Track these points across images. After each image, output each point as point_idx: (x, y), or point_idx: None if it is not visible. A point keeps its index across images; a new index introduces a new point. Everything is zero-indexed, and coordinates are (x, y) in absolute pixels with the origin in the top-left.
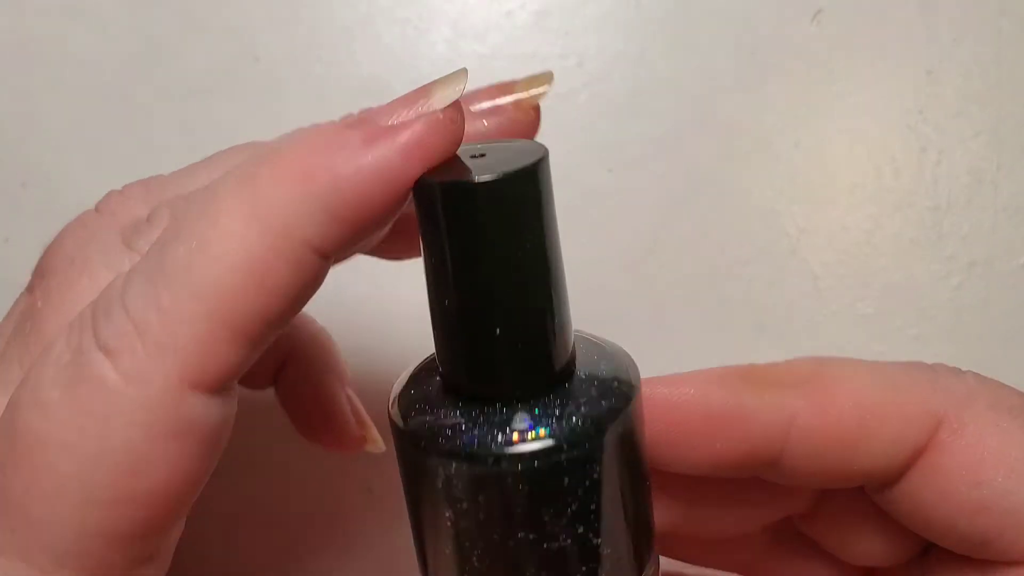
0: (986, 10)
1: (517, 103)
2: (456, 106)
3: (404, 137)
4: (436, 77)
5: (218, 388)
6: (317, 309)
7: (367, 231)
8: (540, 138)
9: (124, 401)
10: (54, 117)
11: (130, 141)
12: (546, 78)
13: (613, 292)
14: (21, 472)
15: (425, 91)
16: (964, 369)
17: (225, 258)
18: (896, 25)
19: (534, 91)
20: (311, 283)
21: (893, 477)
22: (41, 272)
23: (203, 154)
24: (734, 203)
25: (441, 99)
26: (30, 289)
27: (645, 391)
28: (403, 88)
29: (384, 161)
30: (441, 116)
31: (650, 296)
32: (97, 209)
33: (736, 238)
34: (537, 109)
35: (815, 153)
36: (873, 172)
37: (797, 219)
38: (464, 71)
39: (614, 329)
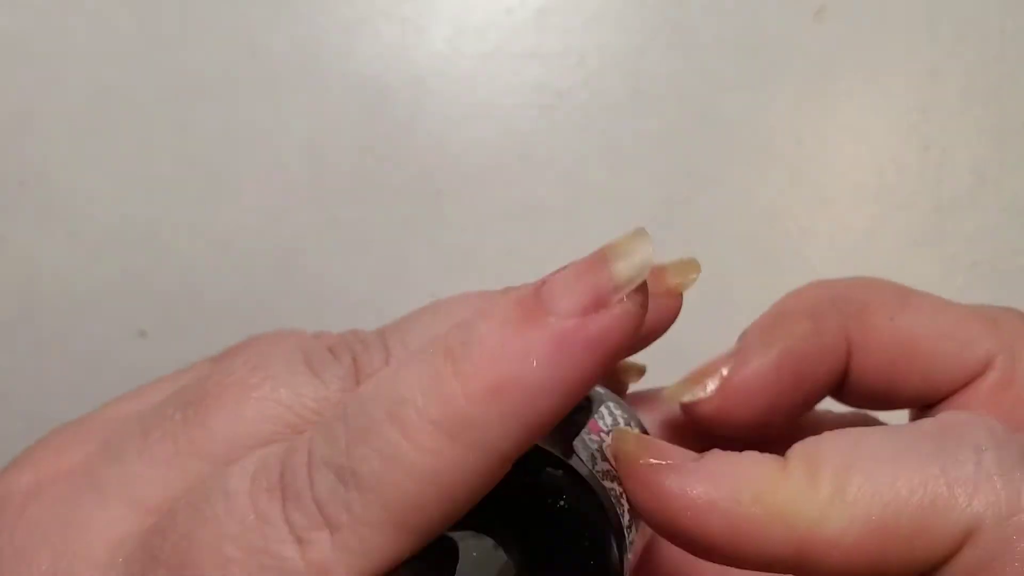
0: (988, 10)
1: (668, 291)
2: (644, 291)
3: (594, 341)
4: (434, 75)
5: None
6: (318, 308)
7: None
8: (541, 135)
9: None
10: (52, 116)
11: (128, 139)
12: (695, 267)
13: None
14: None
15: (603, 261)
16: None
17: (419, 474)
18: (899, 24)
19: (688, 280)
20: (495, 482)
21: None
22: (223, 360)
23: (202, 152)
24: (736, 201)
25: (627, 278)
26: (207, 368)
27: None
28: (402, 86)
29: (573, 371)
30: (632, 310)
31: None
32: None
33: (738, 236)
34: (681, 296)
35: (817, 152)
36: (875, 171)
37: (799, 218)
38: (647, 236)
39: None
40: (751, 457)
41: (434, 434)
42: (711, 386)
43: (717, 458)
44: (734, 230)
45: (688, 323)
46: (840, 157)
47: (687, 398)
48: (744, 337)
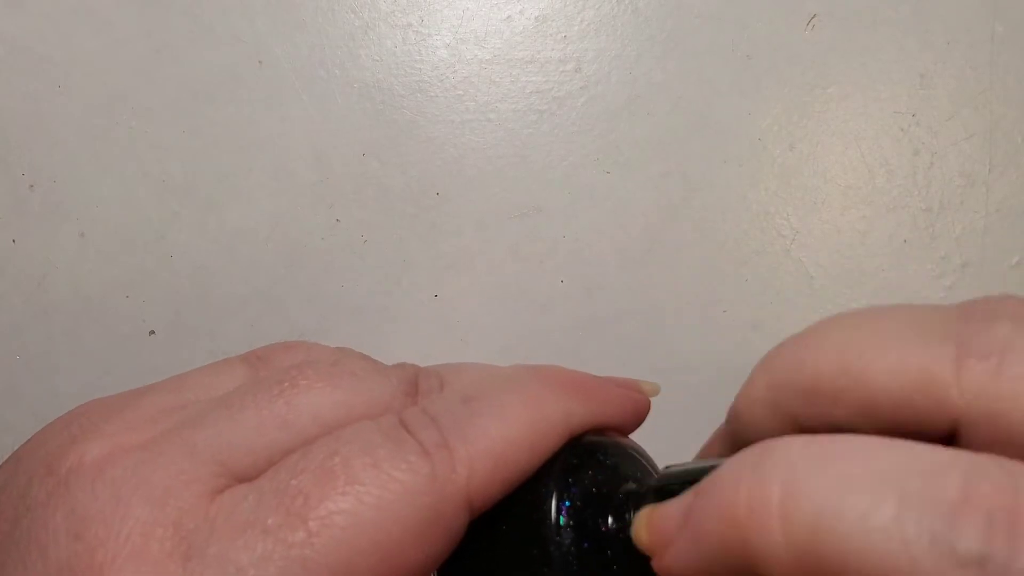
0: (979, 14)
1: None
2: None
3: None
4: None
5: (475, 513)
6: (323, 308)
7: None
8: (541, 140)
9: (432, 488)
10: (62, 120)
11: (138, 144)
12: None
13: (611, 292)
14: (330, 502)
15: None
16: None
17: (513, 425)
18: (890, 29)
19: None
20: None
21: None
22: (272, 357)
23: (210, 156)
24: (730, 205)
25: (651, 391)
26: (242, 366)
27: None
28: (405, 92)
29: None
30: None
31: (647, 296)
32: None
33: (732, 239)
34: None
35: (810, 156)
36: (867, 174)
37: (792, 220)
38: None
39: (612, 328)
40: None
41: (520, 408)
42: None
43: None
44: (728, 232)
45: (685, 322)
46: (832, 161)
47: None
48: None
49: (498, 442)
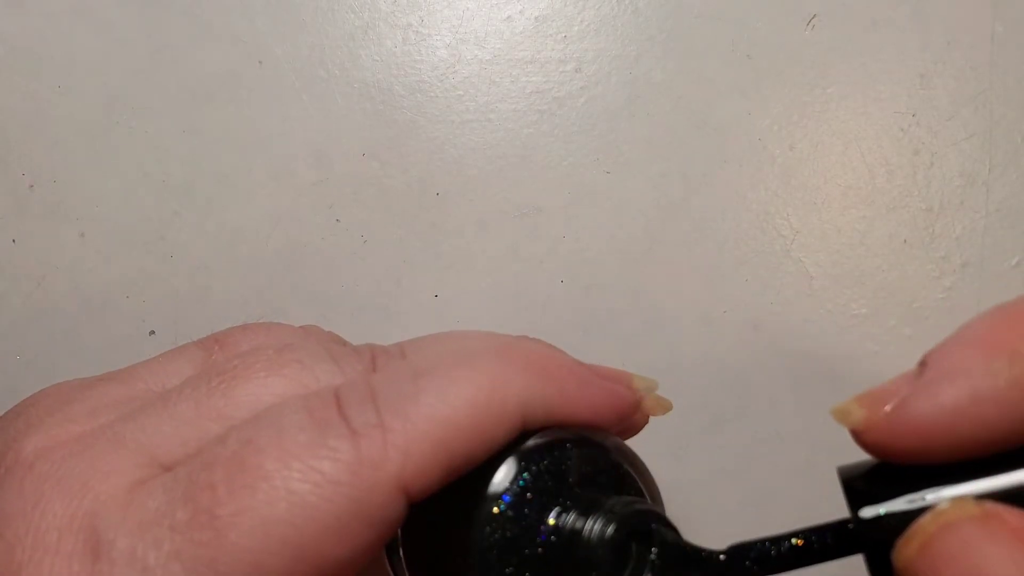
0: (979, 14)
1: (643, 412)
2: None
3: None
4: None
5: (415, 501)
6: (324, 308)
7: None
8: (541, 141)
9: (355, 477)
10: (62, 120)
11: (138, 144)
12: (668, 407)
13: (611, 292)
14: (238, 498)
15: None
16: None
17: (458, 405)
18: (889, 30)
19: (657, 412)
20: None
21: None
22: (236, 341)
23: (210, 156)
24: (730, 205)
25: (644, 387)
26: (199, 351)
27: None
28: (405, 92)
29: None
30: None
31: (647, 296)
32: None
33: (732, 239)
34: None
35: (810, 156)
36: (867, 174)
37: (792, 221)
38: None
39: (611, 329)
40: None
41: (469, 383)
42: (886, 409)
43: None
44: (728, 232)
45: (685, 323)
46: (832, 161)
47: (853, 422)
48: (933, 361)
49: (440, 424)
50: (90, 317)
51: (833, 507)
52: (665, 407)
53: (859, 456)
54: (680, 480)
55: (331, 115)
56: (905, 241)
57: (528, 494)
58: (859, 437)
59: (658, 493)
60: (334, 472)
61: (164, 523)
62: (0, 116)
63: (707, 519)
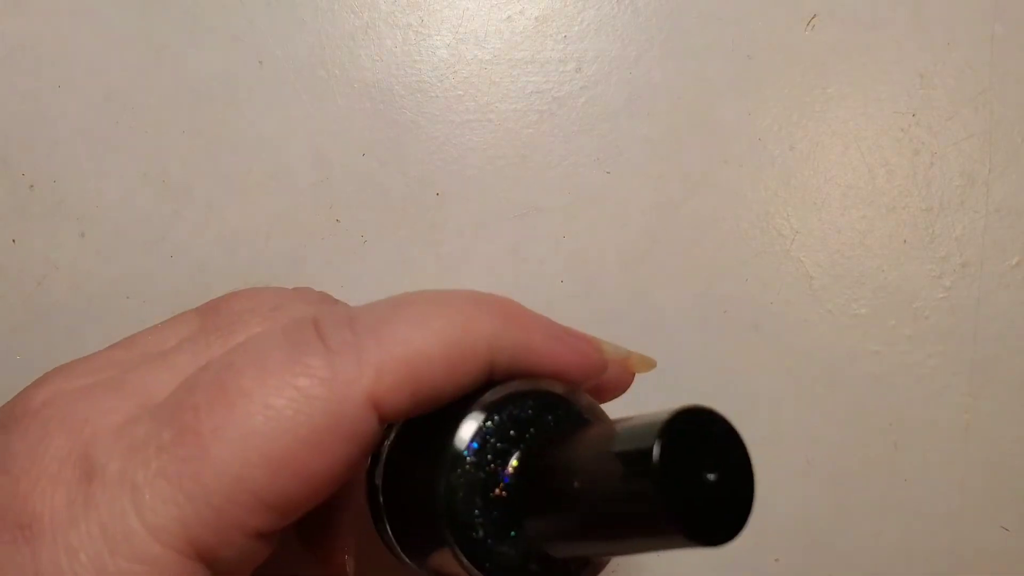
0: (979, 14)
1: (627, 368)
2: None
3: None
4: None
5: (386, 421)
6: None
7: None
8: (541, 140)
9: (329, 391)
10: (61, 120)
11: (137, 144)
12: (652, 364)
13: (610, 292)
14: (218, 414)
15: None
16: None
17: (429, 336)
18: (890, 30)
19: (641, 369)
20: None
21: None
22: (231, 305)
23: (210, 156)
24: (730, 205)
25: (613, 353)
26: (195, 317)
27: None
28: (405, 92)
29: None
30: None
31: (647, 296)
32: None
33: (732, 239)
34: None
35: (810, 156)
36: (867, 174)
37: (792, 221)
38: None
39: (611, 329)
40: None
41: (435, 321)
42: None
43: None
44: (728, 232)
45: (685, 323)
46: (832, 161)
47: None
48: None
49: (412, 349)
50: (90, 317)
51: (833, 507)
52: (649, 364)
53: (860, 456)
54: None
55: (331, 115)
56: (905, 241)
57: (492, 439)
58: None
59: None
60: (309, 386)
61: (151, 444)
62: (0, 116)
63: None
